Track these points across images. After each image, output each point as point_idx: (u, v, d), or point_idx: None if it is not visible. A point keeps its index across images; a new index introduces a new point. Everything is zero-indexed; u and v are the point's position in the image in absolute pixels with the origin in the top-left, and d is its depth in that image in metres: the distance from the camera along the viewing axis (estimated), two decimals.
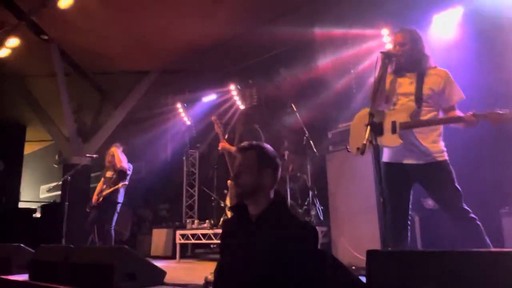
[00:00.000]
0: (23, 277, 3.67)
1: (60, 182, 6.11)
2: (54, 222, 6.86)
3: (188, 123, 8.80)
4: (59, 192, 8.46)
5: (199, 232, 6.07)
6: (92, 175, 8.82)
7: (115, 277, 2.76)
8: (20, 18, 6.42)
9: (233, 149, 3.86)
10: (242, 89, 7.57)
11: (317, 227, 1.77)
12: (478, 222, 2.38)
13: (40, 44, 7.24)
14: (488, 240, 2.35)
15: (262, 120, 4.94)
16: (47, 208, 8.49)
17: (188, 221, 6.89)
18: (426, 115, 2.57)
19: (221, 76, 7.70)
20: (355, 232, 4.31)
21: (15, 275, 3.84)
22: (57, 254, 3.41)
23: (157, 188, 9.19)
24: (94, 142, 8.55)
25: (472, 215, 2.40)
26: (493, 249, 2.06)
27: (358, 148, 2.35)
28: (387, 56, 2.58)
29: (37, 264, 3.57)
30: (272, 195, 1.86)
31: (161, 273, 3.17)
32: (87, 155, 6.38)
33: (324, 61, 6.12)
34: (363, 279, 1.54)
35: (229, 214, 5.47)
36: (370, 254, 1.48)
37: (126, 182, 5.56)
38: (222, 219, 5.91)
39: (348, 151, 2.59)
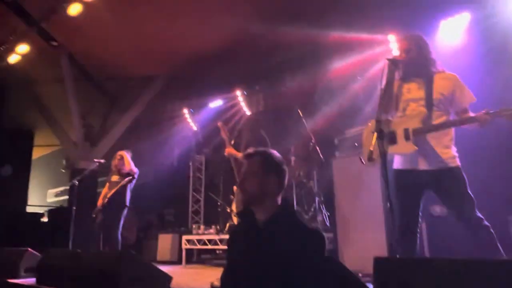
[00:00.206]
0: (30, 281, 3.69)
1: (68, 187, 6.14)
2: (61, 226, 6.88)
3: (195, 128, 8.84)
4: (67, 197, 8.52)
5: (205, 237, 6.07)
6: (99, 180, 8.86)
7: (122, 282, 2.77)
8: (30, 25, 6.52)
9: (239, 155, 3.87)
10: (249, 95, 7.60)
11: (323, 233, 1.76)
12: (491, 230, 2.35)
13: (49, 50, 7.33)
14: (501, 249, 2.33)
15: (268, 126, 4.95)
16: (54, 212, 8.55)
17: (194, 226, 6.89)
18: (437, 120, 2.54)
19: (227, 82, 7.73)
20: (361, 239, 4.28)
21: (22, 279, 3.86)
22: (64, 258, 3.43)
23: (163, 193, 9.21)
24: (101, 147, 8.62)
25: (486, 223, 2.37)
26: (503, 258, 2.04)
27: (370, 159, 2.34)
28: (393, 63, 2.57)
29: (44, 268, 3.59)
30: (279, 201, 1.86)
31: (167, 278, 3.17)
32: (95, 160, 6.40)
33: (331, 67, 6.13)
34: (370, 286, 1.53)
35: (235, 220, 5.47)
36: (378, 261, 1.47)
37: (133, 182, 5.58)
38: (228, 224, 5.91)
39: (363, 163, 2.58)
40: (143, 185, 8.46)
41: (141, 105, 8.80)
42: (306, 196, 5.57)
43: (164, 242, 7.29)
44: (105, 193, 5.54)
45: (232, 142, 4.46)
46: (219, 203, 6.79)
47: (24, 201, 10.72)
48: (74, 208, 5.61)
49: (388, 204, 2.12)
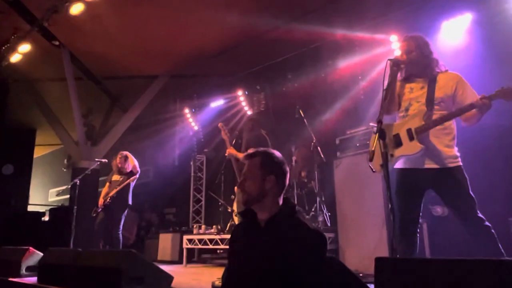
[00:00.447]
0: (32, 280, 3.70)
1: (69, 186, 6.15)
2: (62, 225, 6.90)
3: (196, 128, 8.85)
4: (68, 196, 8.53)
5: (206, 237, 6.08)
6: (101, 179, 8.88)
7: (123, 281, 2.77)
8: (32, 24, 6.53)
9: (240, 155, 3.87)
10: (250, 95, 7.60)
11: (324, 233, 1.76)
12: (493, 231, 2.36)
13: (51, 49, 7.34)
14: (502, 249, 2.33)
15: (269, 126, 4.96)
16: (55, 211, 8.55)
17: (195, 226, 6.90)
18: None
19: (229, 81, 7.74)
20: (362, 239, 4.28)
21: (24, 278, 3.87)
22: (66, 257, 3.44)
23: (164, 192, 9.23)
24: (102, 146, 8.63)
25: (487, 223, 2.37)
26: (503, 258, 2.04)
27: (381, 165, 2.33)
28: (395, 64, 2.57)
29: (46, 267, 3.60)
30: (281, 201, 1.86)
31: (169, 277, 3.17)
32: (96, 159, 6.42)
33: (333, 67, 6.13)
34: (371, 286, 1.54)
35: (236, 219, 5.47)
36: (378, 261, 1.48)
37: (134, 181, 5.59)
38: (229, 224, 5.92)
39: (373, 171, 2.57)
40: (145, 185, 8.50)
41: (142, 105, 8.81)
42: (307, 196, 5.57)
43: (165, 241, 7.30)
44: (105, 192, 5.54)
45: (234, 142, 4.46)
46: (220, 203, 6.80)
47: (25, 200, 10.75)
48: (76, 207, 5.62)
49: (389, 204, 2.12)
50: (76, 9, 5.81)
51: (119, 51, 7.40)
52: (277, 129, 6.13)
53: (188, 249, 6.46)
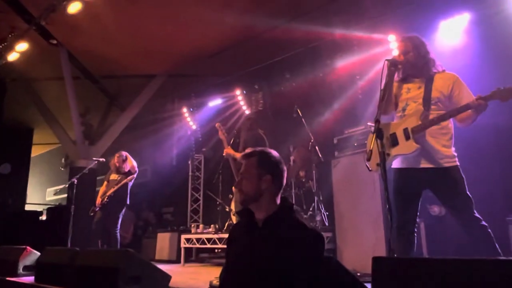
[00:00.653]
0: (29, 279, 3.69)
1: (67, 185, 6.14)
2: (60, 224, 6.88)
3: (194, 127, 8.84)
4: (65, 195, 8.51)
5: (203, 236, 6.07)
6: (98, 178, 8.87)
7: (120, 280, 2.77)
8: (29, 23, 6.51)
9: (237, 155, 3.87)
10: (248, 94, 7.59)
11: (322, 233, 1.76)
12: (489, 230, 2.37)
13: (48, 48, 7.32)
14: (498, 248, 2.34)
15: (267, 126, 4.95)
16: (53, 210, 8.53)
17: (192, 225, 6.90)
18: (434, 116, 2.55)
19: (227, 81, 7.74)
20: (360, 238, 4.29)
21: (21, 277, 3.86)
22: (63, 256, 3.43)
23: (162, 191, 9.22)
24: (100, 145, 8.61)
25: (483, 223, 2.38)
26: (500, 258, 2.05)
27: (377, 164, 2.34)
28: (393, 64, 2.59)
29: (43, 267, 3.60)
30: (278, 200, 1.87)
31: (166, 277, 3.17)
32: (94, 158, 6.40)
33: (331, 67, 6.13)
34: (368, 286, 1.54)
35: (234, 219, 5.47)
36: (376, 260, 1.48)
37: (132, 180, 5.59)
38: (227, 223, 5.92)
39: (370, 170, 2.57)
40: (142, 184, 8.49)
41: (140, 104, 8.79)
42: (305, 196, 5.57)
43: (163, 241, 7.29)
44: (103, 191, 5.54)
45: (231, 141, 4.46)
46: (218, 202, 6.80)
47: (23, 199, 10.73)
48: (73, 206, 5.61)
49: (387, 204, 2.13)
50: (74, 8, 5.79)
51: (117, 50, 7.38)
52: (275, 129, 6.12)
53: (186, 248, 6.45)
